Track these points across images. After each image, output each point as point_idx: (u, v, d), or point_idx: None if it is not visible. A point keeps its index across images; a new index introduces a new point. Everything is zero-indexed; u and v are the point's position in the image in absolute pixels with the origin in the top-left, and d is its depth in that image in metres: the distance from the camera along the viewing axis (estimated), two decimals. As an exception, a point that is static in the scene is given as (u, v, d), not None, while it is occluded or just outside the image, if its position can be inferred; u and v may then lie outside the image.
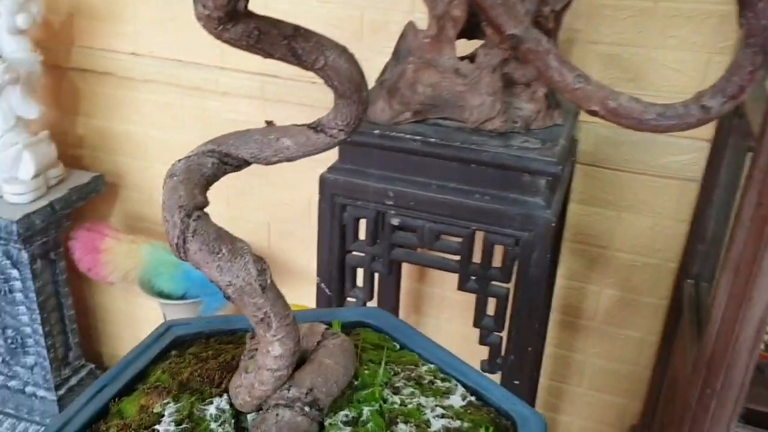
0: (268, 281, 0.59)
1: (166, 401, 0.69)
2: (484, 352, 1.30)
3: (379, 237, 1.23)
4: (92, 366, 2.11)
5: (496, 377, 1.32)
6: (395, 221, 1.20)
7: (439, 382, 0.77)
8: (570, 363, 1.79)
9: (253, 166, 0.68)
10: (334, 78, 0.61)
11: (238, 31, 0.54)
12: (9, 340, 1.95)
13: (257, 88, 1.72)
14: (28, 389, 1.98)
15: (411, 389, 0.74)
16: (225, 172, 0.67)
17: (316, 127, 0.66)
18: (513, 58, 1.16)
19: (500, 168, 1.13)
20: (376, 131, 1.17)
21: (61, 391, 1.99)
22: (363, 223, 1.23)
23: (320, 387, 0.66)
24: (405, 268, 1.71)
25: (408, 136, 1.15)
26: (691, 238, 1.50)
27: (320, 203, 1.23)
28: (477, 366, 1.50)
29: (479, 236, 1.18)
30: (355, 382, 0.73)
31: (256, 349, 0.70)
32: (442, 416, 0.72)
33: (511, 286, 1.21)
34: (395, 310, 1.59)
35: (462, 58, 1.18)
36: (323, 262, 1.27)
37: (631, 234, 1.58)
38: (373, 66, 1.60)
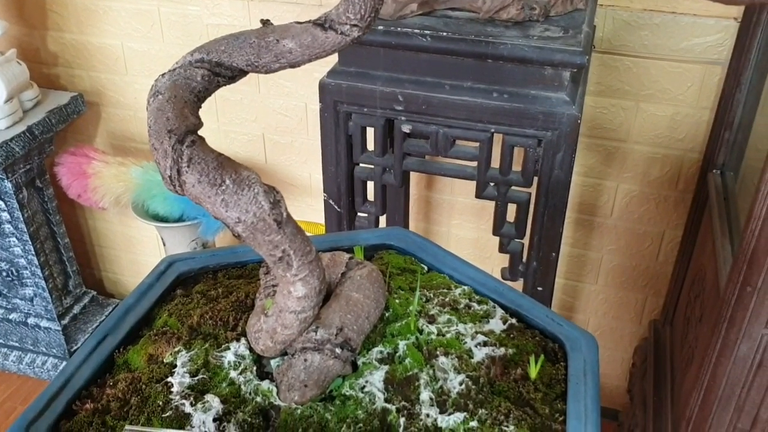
0: (284, 214, 0.50)
1: (176, 349, 0.61)
2: (498, 256, 1.23)
3: (389, 146, 1.14)
4: (94, 293, 2.05)
5: (518, 284, 1.27)
6: (406, 128, 1.10)
7: (476, 306, 0.70)
8: (585, 261, 1.73)
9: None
10: (344, -39, 0.50)
11: None
12: (4, 273, 1.88)
13: (240, -13, 1.57)
14: (30, 320, 1.93)
15: (447, 316, 0.67)
16: (218, 85, 0.56)
17: (323, 23, 0.56)
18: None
19: (520, 62, 1.02)
20: (380, 27, 1.05)
21: (65, 321, 1.94)
22: (370, 132, 1.13)
23: (350, 325, 0.58)
24: (412, 175, 1.62)
25: (416, 31, 1.03)
26: (716, 126, 1.41)
27: (322, 112, 1.13)
28: (495, 272, 1.44)
29: (497, 139, 1.09)
30: (386, 314, 0.65)
31: (273, 286, 0.61)
32: (484, 344, 0.65)
33: (532, 190, 1.13)
34: (405, 221, 1.51)
35: (470, -62, 1.05)
36: (330, 176, 1.18)
37: (650, 125, 1.49)
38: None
